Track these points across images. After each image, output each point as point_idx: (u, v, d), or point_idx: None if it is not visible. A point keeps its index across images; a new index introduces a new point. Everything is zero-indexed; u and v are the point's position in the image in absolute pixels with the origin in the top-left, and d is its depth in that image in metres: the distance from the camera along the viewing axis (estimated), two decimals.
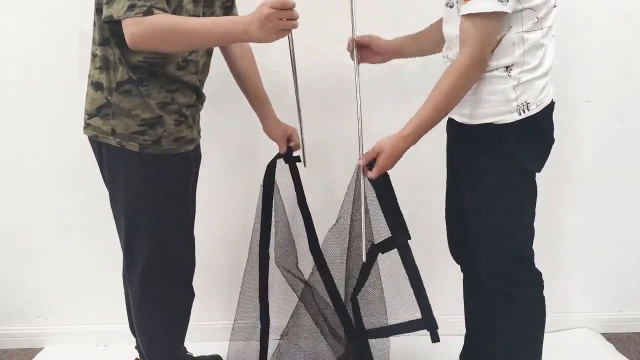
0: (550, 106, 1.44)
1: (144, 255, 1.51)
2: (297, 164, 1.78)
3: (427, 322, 1.46)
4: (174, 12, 1.39)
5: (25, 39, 1.93)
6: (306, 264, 1.80)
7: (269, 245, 1.78)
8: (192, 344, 1.80)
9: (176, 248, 1.57)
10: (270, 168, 1.77)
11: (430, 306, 1.46)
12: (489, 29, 1.32)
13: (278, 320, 1.93)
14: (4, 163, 2.03)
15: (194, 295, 1.67)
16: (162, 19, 1.30)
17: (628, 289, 2.23)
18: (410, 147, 1.41)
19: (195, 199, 1.73)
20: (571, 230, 2.16)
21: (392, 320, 1.59)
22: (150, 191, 1.47)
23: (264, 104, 1.76)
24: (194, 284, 1.66)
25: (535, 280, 1.52)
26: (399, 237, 1.46)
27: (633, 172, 2.12)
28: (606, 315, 2.24)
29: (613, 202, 2.14)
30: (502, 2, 1.28)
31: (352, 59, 1.63)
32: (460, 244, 1.68)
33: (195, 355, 1.88)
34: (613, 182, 2.12)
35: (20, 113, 1.99)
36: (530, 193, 1.48)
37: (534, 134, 1.42)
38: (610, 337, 2.19)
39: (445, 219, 1.71)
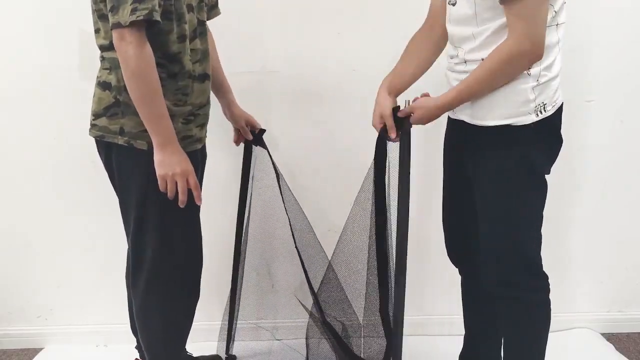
0: (561, 107, 1.44)
1: (151, 255, 1.50)
2: None
3: None
4: (177, 16, 1.40)
5: (25, 39, 1.93)
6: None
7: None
8: (192, 344, 1.80)
9: (184, 248, 1.56)
10: (247, 157, 1.81)
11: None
12: (533, 7, 1.27)
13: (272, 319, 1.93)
14: (4, 163, 2.02)
15: (199, 296, 1.66)
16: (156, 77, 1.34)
17: (628, 289, 2.23)
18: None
19: None
20: (571, 230, 2.16)
21: None
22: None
23: (228, 89, 1.75)
24: None
25: (540, 284, 1.50)
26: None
27: (633, 172, 2.11)
28: (606, 315, 2.24)
29: (613, 202, 2.13)
30: None
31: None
32: (460, 247, 1.66)
33: (195, 355, 1.88)
34: (613, 181, 2.12)
35: (21, 113, 1.98)
36: (541, 195, 1.46)
37: (549, 135, 1.42)
38: (610, 337, 2.19)
39: (443, 221, 1.69)
